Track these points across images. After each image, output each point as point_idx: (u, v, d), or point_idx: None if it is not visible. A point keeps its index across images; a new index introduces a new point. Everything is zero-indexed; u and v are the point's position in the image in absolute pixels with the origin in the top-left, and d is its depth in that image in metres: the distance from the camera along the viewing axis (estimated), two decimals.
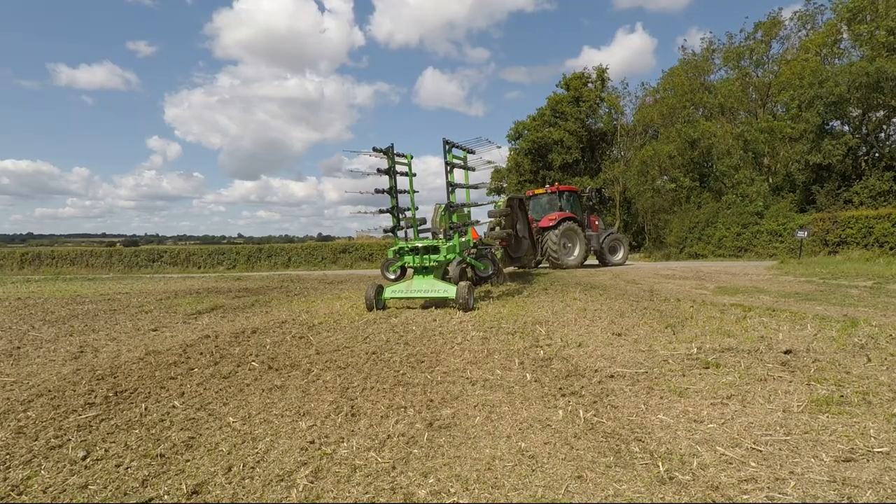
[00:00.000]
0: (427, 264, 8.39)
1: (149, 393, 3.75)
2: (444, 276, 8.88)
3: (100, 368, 4.50)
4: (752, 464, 2.35)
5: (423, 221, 9.74)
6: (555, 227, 15.70)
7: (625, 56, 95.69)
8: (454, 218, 8.93)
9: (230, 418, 3.16)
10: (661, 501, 2.07)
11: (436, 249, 8.39)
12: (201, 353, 5.03)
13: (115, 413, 3.31)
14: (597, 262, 17.93)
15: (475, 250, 10.51)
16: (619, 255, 18.13)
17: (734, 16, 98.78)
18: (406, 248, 8.49)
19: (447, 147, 8.67)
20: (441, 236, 9.57)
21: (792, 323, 5.61)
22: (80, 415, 3.28)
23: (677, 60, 34.91)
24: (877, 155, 23.40)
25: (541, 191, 17.75)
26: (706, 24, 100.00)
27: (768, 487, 2.14)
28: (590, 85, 34.24)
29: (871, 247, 17.61)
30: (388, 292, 8.25)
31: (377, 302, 8.09)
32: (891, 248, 17.23)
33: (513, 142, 36.44)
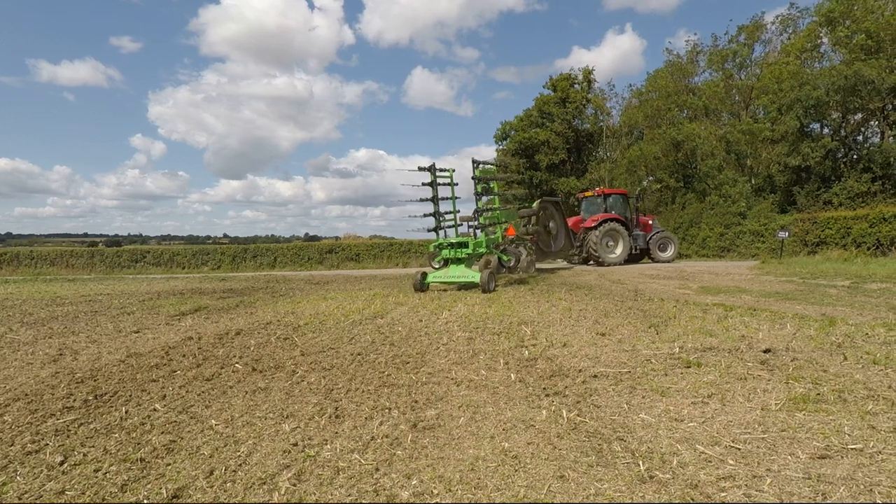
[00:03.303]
0: (459, 256, 10.75)
1: (129, 396, 3.70)
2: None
3: (79, 371, 4.43)
4: (731, 462, 2.39)
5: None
6: (596, 227, 17.37)
7: (614, 57, 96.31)
8: (481, 219, 11.53)
9: (213, 421, 3.13)
10: (641, 500, 2.10)
11: (465, 245, 10.79)
12: (184, 355, 4.97)
13: (95, 417, 3.26)
14: (651, 259, 19.22)
15: (511, 245, 12.98)
16: (669, 253, 19.26)
17: (722, 18, 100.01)
18: (444, 244, 11.01)
19: (475, 164, 11.36)
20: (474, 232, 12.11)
21: (772, 322, 5.71)
22: (58, 419, 3.22)
23: (663, 62, 35.33)
24: (855, 157, 23.89)
25: (589, 193, 19.60)
26: (695, 27, 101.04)
27: (746, 485, 2.17)
28: (576, 86, 34.44)
29: (849, 247, 17.98)
30: (430, 277, 10.62)
31: (423, 285, 10.46)
32: (868, 248, 17.61)
33: (500, 142, 36.56)
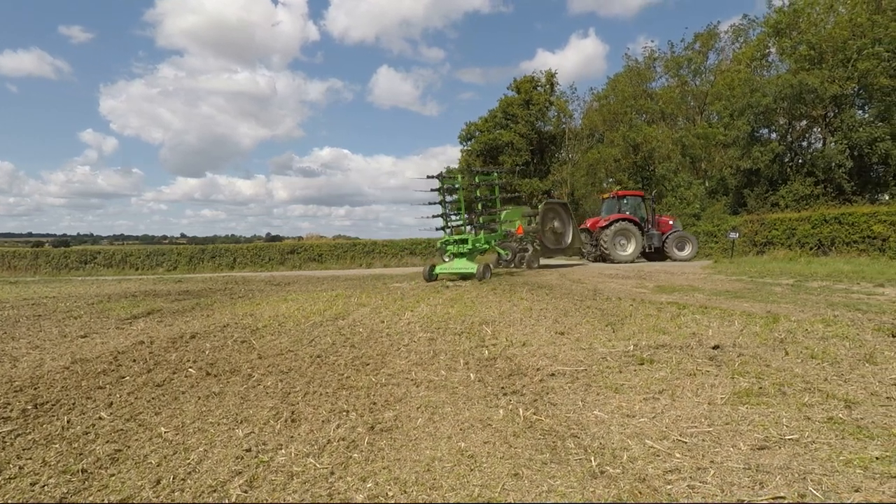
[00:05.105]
0: (461, 251, 12.62)
1: (73, 404, 3.53)
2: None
3: (18, 379, 4.19)
4: (678, 455, 2.48)
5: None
6: (607, 226, 18.40)
7: (578, 60, 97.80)
8: (480, 219, 13.36)
9: (162, 428, 3.03)
10: (591, 495, 2.15)
11: (465, 241, 12.67)
12: (134, 361, 4.78)
13: (34, 427, 3.10)
14: (669, 258, 19.65)
15: (516, 242, 15.17)
16: (687, 252, 19.71)
17: (680, 25, 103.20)
18: (449, 241, 13.00)
19: (474, 171, 14.21)
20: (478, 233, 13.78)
21: (721, 320, 5.95)
22: None
23: (622, 67, 36.31)
24: (800, 161, 25.18)
25: (607, 195, 20.68)
26: (654, 33, 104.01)
27: (690, 477, 2.26)
28: (539, 88, 34.95)
29: (793, 247, 18.91)
30: (438, 269, 12.66)
31: (431, 276, 12.45)
32: (811, 249, 18.57)
33: (465, 143, 36.73)
